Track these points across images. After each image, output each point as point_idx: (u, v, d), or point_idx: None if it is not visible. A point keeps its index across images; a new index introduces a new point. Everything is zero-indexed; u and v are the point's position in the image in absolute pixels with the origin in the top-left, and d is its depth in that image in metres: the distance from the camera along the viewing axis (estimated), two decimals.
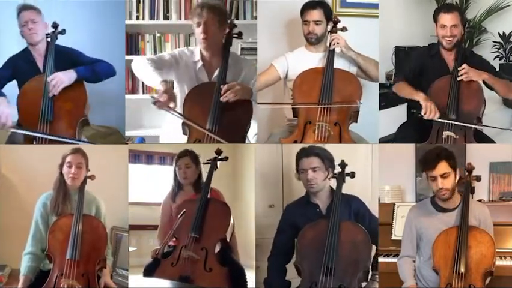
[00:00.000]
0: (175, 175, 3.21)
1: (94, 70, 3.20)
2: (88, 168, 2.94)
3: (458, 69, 3.12)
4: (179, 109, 2.98)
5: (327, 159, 2.85)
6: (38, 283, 2.77)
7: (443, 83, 3.16)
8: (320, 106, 3.07)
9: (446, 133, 3.09)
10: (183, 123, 2.99)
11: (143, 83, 4.37)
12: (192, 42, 4.52)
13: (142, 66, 3.04)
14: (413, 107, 3.28)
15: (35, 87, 3.10)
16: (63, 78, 3.08)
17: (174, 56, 3.17)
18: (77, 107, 3.11)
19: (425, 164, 2.70)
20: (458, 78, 3.11)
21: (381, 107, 3.61)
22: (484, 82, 3.18)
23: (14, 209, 3.59)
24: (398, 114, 3.82)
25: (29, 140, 3.03)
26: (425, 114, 3.06)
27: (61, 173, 2.92)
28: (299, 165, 2.86)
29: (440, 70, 3.26)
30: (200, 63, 3.15)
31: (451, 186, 2.68)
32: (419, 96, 3.14)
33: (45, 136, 3.00)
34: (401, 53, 4.31)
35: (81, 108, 3.12)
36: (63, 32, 3.25)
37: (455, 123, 3.07)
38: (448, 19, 3.20)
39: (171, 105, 2.84)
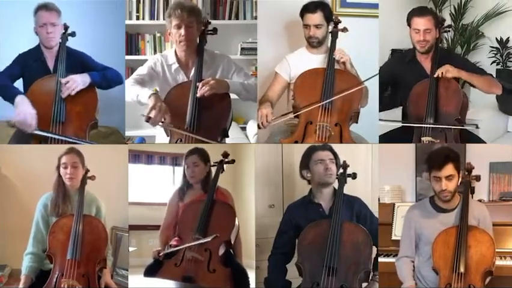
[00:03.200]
0: (184, 174, 3.20)
1: (106, 77, 3.20)
2: (85, 167, 2.94)
3: (437, 71, 3.10)
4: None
5: (337, 157, 2.89)
6: (39, 283, 2.77)
7: (421, 88, 3.15)
8: (322, 103, 3.07)
9: (425, 139, 3.08)
10: (164, 127, 3.03)
11: None
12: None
13: (129, 89, 3.11)
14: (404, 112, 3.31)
15: (46, 88, 3.08)
16: (78, 81, 3.08)
17: (150, 66, 3.22)
18: (88, 111, 3.10)
19: (431, 164, 2.68)
20: (435, 75, 3.08)
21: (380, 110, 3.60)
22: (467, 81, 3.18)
23: (14, 209, 3.60)
24: (395, 117, 3.80)
25: (37, 139, 3.02)
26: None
27: (59, 175, 2.92)
28: (313, 158, 2.88)
29: (417, 75, 3.24)
30: (176, 65, 3.19)
31: (453, 189, 2.68)
32: None
33: (64, 138, 2.99)
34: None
35: (92, 111, 3.12)
36: (73, 34, 3.23)
37: (432, 126, 3.05)
38: (420, 23, 3.17)
39: (164, 119, 2.93)
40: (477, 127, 3.13)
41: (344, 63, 3.17)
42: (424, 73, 3.24)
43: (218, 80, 3.04)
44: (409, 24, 3.24)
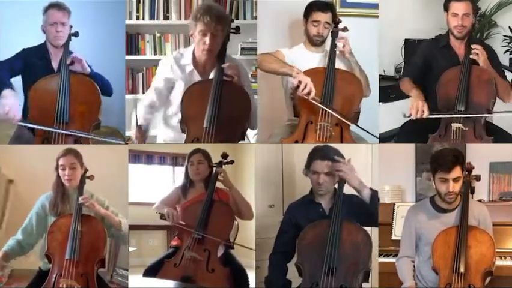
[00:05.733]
0: (186, 172, 3.21)
1: (103, 81, 3.20)
2: (83, 167, 2.94)
3: (472, 46, 3.08)
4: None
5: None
6: (38, 283, 2.77)
7: (452, 74, 3.10)
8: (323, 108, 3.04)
9: (454, 125, 3.03)
10: (181, 122, 2.98)
11: (143, 83, 4.39)
12: (191, 41, 4.52)
13: (142, 112, 3.07)
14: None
15: (50, 87, 3.06)
16: (83, 60, 3.09)
17: (165, 79, 3.10)
18: (91, 111, 3.09)
19: (438, 165, 2.66)
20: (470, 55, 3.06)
21: (390, 99, 3.57)
22: None
23: (14, 209, 3.60)
24: (400, 108, 3.77)
25: (40, 139, 3.01)
26: (410, 114, 3.02)
27: (58, 175, 2.92)
28: (312, 166, 2.83)
29: (450, 61, 3.20)
30: (190, 67, 3.08)
31: (459, 190, 2.67)
32: (412, 93, 3.11)
33: (53, 130, 2.97)
34: (411, 46, 4.26)
35: (95, 112, 3.10)
36: (76, 34, 3.21)
37: (462, 116, 3.00)
38: (459, 7, 3.15)
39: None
40: None
41: (344, 48, 3.17)
42: (457, 60, 3.20)
43: (238, 69, 2.97)
44: (446, 9, 3.20)
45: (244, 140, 3.09)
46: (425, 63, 3.31)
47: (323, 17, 3.25)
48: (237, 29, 3.06)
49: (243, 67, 3.18)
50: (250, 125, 3.08)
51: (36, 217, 2.91)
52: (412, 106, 3.04)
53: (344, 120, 3.02)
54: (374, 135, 3.10)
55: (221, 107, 2.91)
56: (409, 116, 3.04)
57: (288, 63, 3.21)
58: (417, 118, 3.01)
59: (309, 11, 3.29)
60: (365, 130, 3.05)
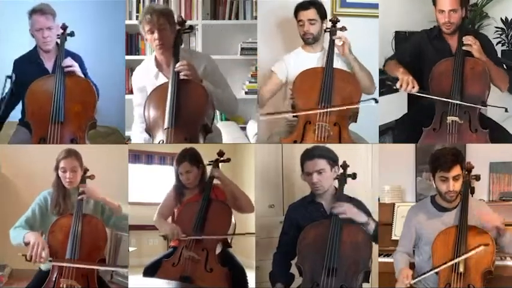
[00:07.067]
0: (178, 178, 3.17)
1: (95, 86, 3.19)
2: (83, 167, 2.93)
3: (463, 39, 3.02)
4: None
5: (331, 160, 2.82)
6: (38, 283, 2.77)
7: (445, 66, 3.06)
8: (320, 111, 3.05)
9: (450, 118, 3.00)
10: (146, 130, 3.00)
11: None
12: (191, 41, 4.53)
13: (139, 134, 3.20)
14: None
15: (45, 87, 3.06)
16: (76, 67, 3.08)
17: (138, 88, 3.18)
18: (87, 110, 3.08)
19: (438, 164, 2.65)
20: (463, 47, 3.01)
21: (381, 93, 3.56)
22: None
23: (14, 209, 3.59)
24: (397, 101, 3.77)
25: (36, 138, 3.01)
26: (400, 86, 3.01)
27: (58, 175, 2.91)
28: (304, 168, 2.84)
29: (442, 51, 3.16)
30: (155, 70, 3.13)
31: (459, 189, 2.67)
32: (398, 71, 3.09)
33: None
34: (401, 38, 4.21)
35: (90, 111, 3.09)
36: (72, 34, 3.18)
37: (459, 102, 2.96)
38: (446, 4, 3.07)
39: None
40: (506, 110, 3.05)
41: (343, 45, 3.17)
42: (449, 50, 3.15)
43: (193, 65, 2.97)
44: (434, 4, 3.14)
45: (211, 132, 3.04)
46: (416, 51, 3.27)
47: (305, 14, 3.26)
48: (191, 28, 3.11)
49: (204, 59, 3.18)
50: (227, 112, 3.11)
51: (39, 209, 2.91)
52: (402, 80, 3.03)
53: (341, 108, 3.02)
54: (373, 102, 3.08)
55: (178, 106, 2.90)
56: (398, 89, 3.04)
57: (288, 70, 3.31)
58: (407, 92, 3.01)
59: (295, 13, 3.31)
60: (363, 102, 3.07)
